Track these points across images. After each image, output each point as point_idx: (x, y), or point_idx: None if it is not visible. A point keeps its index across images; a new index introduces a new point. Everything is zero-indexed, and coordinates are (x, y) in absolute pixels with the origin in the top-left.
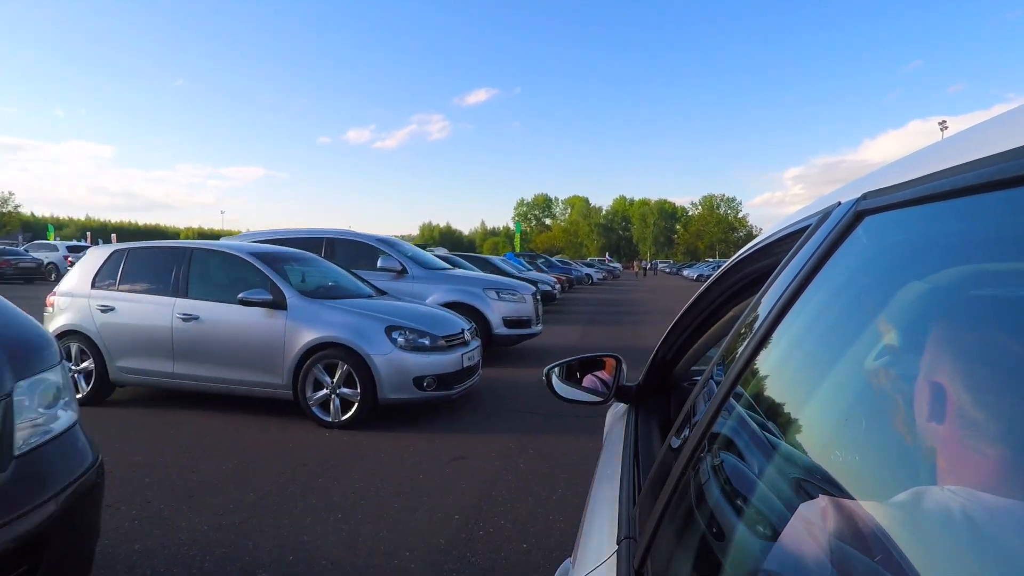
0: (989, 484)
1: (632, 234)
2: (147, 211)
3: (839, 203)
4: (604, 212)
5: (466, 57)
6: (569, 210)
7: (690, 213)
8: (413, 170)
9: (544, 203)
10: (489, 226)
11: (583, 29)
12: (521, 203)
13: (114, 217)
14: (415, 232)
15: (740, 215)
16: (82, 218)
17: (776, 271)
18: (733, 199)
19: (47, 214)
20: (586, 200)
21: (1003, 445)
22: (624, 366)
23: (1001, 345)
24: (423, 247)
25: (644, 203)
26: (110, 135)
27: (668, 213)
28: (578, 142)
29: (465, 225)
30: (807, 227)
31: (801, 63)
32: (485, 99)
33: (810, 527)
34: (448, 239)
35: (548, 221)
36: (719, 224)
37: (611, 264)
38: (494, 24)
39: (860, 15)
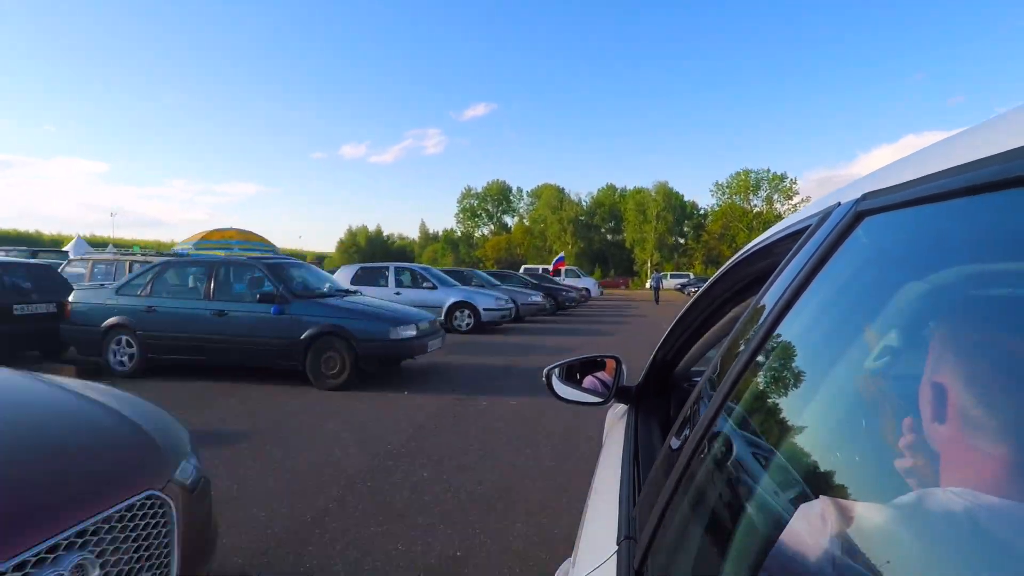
0: (992, 485)
1: (624, 236)
2: (139, 227)
3: (839, 203)
4: (584, 204)
5: (462, 71)
6: (536, 203)
7: (708, 207)
8: (407, 182)
9: (500, 194)
10: (432, 229)
11: (578, 43)
12: (468, 193)
13: (105, 233)
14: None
15: (795, 203)
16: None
17: (776, 272)
18: (783, 177)
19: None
20: (558, 189)
21: (1005, 446)
22: (624, 367)
23: (1001, 345)
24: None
25: (641, 192)
26: (103, 151)
27: (676, 204)
28: (561, 148)
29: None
30: (807, 227)
31: (800, 76)
32: (484, 113)
33: (810, 528)
34: (379, 246)
35: (512, 220)
36: (757, 219)
37: (562, 281)
38: (491, 35)
39: (864, 25)
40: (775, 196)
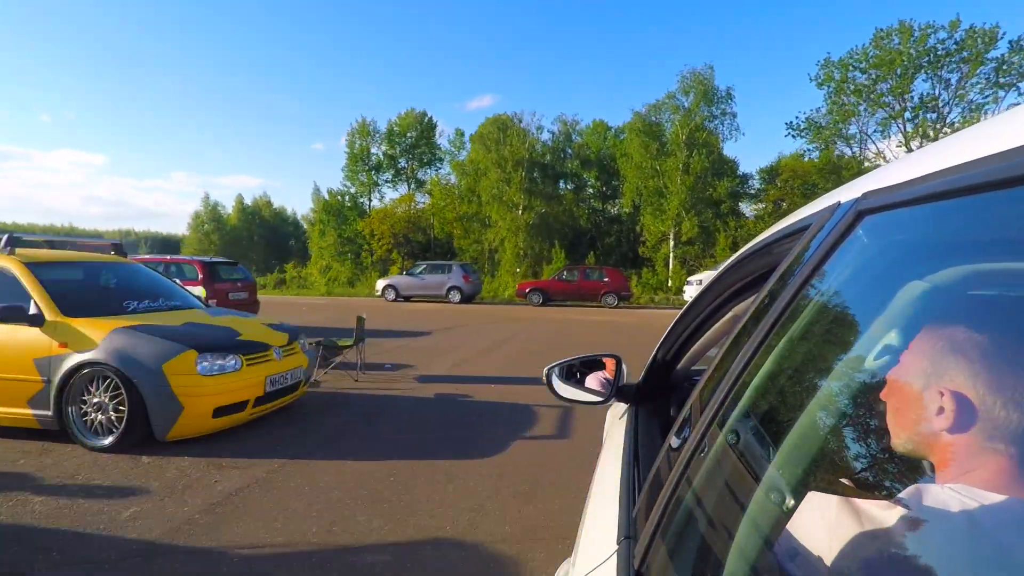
0: (989, 481)
1: (621, 203)
2: (138, 220)
3: (839, 203)
4: (550, 137)
5: (466, 61)
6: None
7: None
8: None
9: (419, 132)
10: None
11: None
12: (361, 129)
13: (105, 226)
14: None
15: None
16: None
17: (776, 270)
18: (993, 35)
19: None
20: (508, 120)
21: (1002, 443)
22: (624, 366)
23: (1000, 344)
24: None
25: (655, 107)
26: (101, 143)
27: (707, 143)
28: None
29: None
30: (807, 227)
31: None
32: (488, 104)
33: (811, 526)
34: (257, 225)
35: (434, 178)
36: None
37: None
38: (496, 28)
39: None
40: (976, 83)
